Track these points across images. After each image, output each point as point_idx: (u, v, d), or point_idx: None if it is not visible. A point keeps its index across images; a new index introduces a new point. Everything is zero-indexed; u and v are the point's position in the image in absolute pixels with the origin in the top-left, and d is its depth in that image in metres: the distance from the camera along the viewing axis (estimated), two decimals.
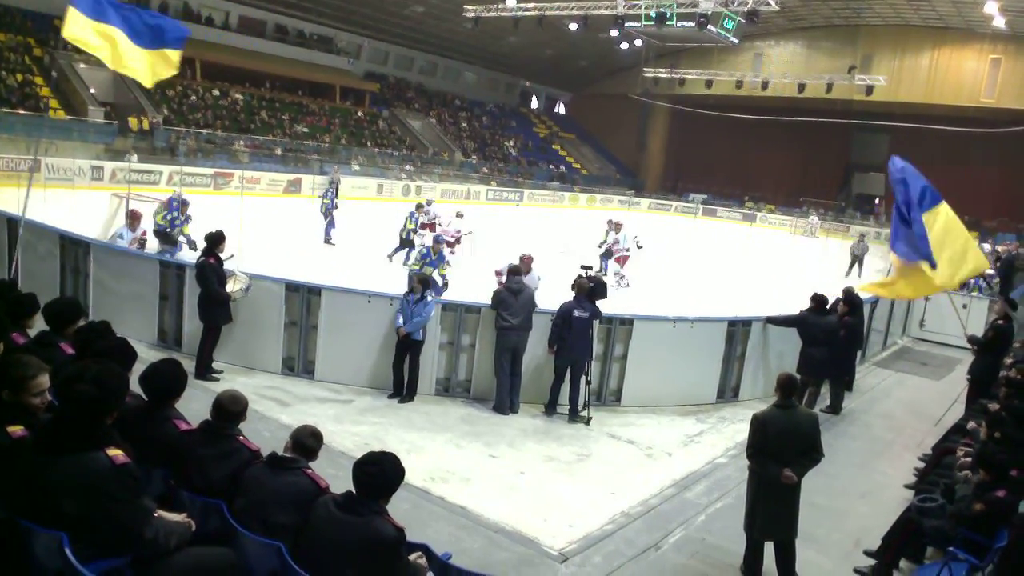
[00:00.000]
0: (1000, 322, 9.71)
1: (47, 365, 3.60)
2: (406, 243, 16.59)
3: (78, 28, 7.71)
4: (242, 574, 3.75)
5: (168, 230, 13.07)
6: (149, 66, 8.10)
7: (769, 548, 5.40)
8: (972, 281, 18.07)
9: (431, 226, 17.65)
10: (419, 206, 17.84)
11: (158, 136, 29.71)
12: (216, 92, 35.22)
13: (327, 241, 18.75)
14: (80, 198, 19.95)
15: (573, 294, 8.44)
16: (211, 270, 8.20)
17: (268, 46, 39.00)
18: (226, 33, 37.00)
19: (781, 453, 5.20)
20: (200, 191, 24.56)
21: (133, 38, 7.91)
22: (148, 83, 8.49)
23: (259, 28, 38.93)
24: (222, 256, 8.49)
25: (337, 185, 31.52)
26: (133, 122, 29.15)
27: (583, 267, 9.10)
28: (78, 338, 4.59)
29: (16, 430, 3.30)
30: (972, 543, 4.96)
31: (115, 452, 3.17)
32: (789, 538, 5.33)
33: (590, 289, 8.41)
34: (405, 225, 16.75)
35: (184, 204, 13.40)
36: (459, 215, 18.33)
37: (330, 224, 18.94)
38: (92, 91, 29.28)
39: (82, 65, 29.92)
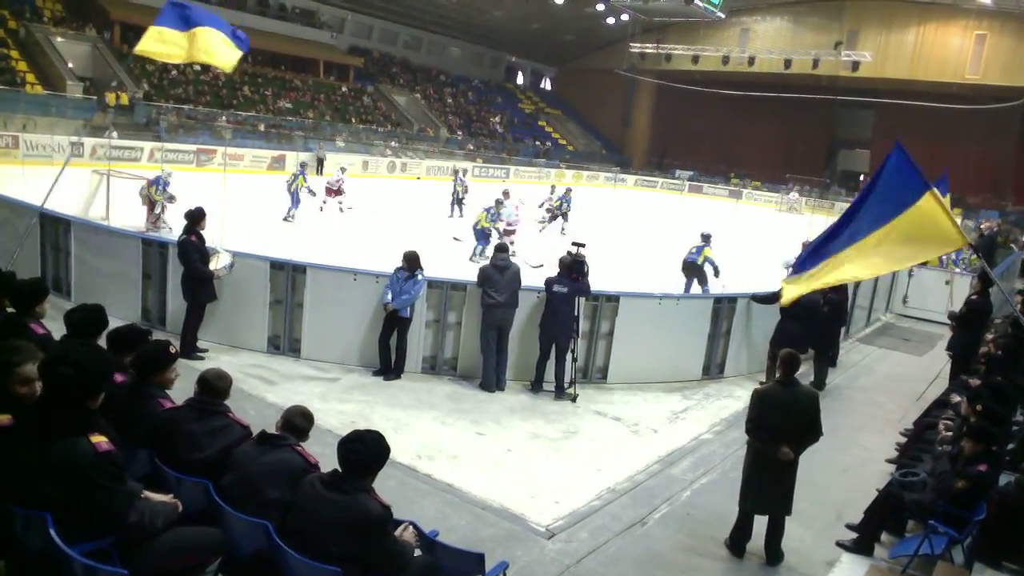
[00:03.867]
0: (975, 298, 9.81)
1: (40, 352, 3.51)
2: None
3: (154, 43, 7.93)
4: (229, 553, 3.75)
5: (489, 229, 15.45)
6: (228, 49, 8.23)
7: (758, 523, 5.46)
8: (950, 257, 18.29)
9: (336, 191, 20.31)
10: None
11: (138, 112, 29.22)
12: (197, 67, 34.60)
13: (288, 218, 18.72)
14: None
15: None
16: (192, 248, 8.12)
17: (249, 19, 38.22)
18: (206, 6, 36.26)
19: (779, 429, 5.23)
20: (182, 168, 24.25)
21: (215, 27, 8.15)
22: (230, 67, 8.53)
23: (240, 1, 38.24)
24: None
25: (322, 161, 31.34)
26: (111, 97, 28.62)
27: (575, 243, 9.09)
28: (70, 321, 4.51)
29: (2, 419, 3.24)
30: (952, 516, 5.04)
31: (99, 439, 3.12)
32: (781, 514, 5.38)
33: (568, 266, 8.40)
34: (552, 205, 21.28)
35: (499, 203, 16.06)
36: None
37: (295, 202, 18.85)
38: (70, 65, 28.69)
39: (59, 39, 29.31)
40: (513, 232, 16.20)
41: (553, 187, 23.12)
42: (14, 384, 3.37)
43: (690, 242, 14.08)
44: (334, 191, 20.44)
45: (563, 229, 20.30)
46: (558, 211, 21.17)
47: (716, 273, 13.33)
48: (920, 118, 38.24)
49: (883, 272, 7.13)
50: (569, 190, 22.20)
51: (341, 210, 20.21)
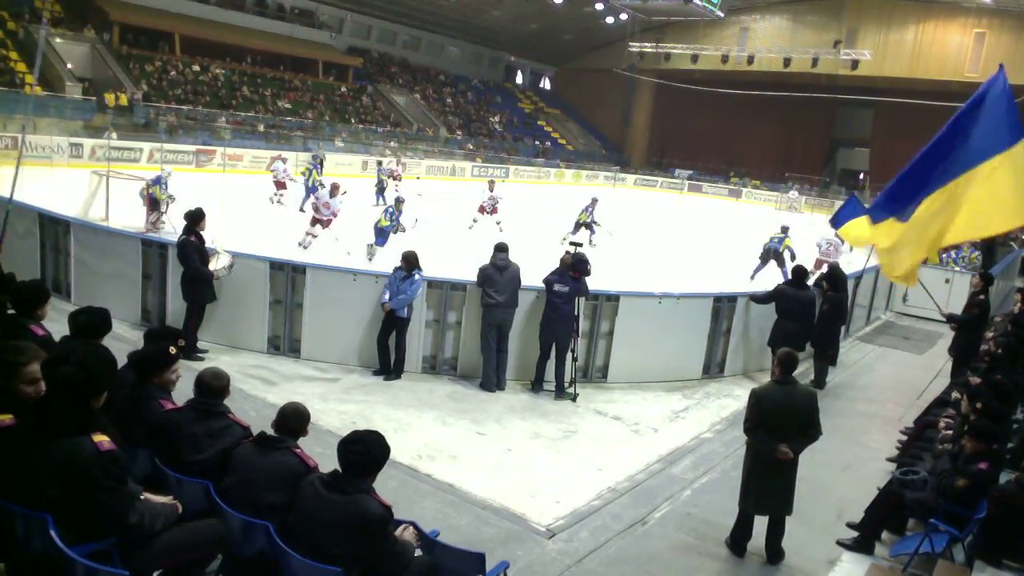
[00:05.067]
0: (980, 297, 9.80)
1: (44, 352, 3.52)
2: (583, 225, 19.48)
3: None
4: (230, 553, 3.75)
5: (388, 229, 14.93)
6: None
7: (758, 522, 5.46)
8: (950, 256, 18.30)
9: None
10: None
11: (137, 113, 29.22)
12: (196, 67, 34.63)
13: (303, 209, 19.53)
14: (59, 176, 19.67)
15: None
16: (192, 248, 8.12)
17: (248, 20, 38.37)
18: (205, 7, 36.32)
19: (778, 429, 5.21)
20: (182, 168, 24.25)
21: None
22: None
23: (239, 1, 38.26)
24: None
25: (321, 161, 31.36)
26: (110, 98, 28.60)
27: (572, 243, 9.09)
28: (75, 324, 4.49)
29: (4, 419, 3.24)
30: (952, 514, 5.04)
31: (101, 438, 3.12)
32: (782, 514, 5.37)
33: (571, 265, 8.40)
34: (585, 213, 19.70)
35: (399, 202, 15.66)
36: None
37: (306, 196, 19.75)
38: (69, 66, 28.69)
39: (58, 40, 29.30)
40: (330, 222, 15.61)
41: (492, 183, 21.00)
42: (20, 384, 3.37)
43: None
44: (278, 183, 21.10)
45: (591, 240, 18.68)
46: (583, 223, 19.34)
47: (793, 258, 15.68)
48: (919, 116, 38.08)
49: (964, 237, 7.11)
50: (595, 200, 19.90)
51: (280, 202, 20.67)
